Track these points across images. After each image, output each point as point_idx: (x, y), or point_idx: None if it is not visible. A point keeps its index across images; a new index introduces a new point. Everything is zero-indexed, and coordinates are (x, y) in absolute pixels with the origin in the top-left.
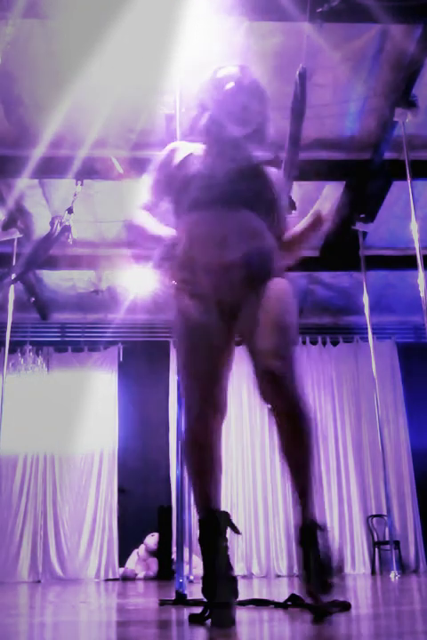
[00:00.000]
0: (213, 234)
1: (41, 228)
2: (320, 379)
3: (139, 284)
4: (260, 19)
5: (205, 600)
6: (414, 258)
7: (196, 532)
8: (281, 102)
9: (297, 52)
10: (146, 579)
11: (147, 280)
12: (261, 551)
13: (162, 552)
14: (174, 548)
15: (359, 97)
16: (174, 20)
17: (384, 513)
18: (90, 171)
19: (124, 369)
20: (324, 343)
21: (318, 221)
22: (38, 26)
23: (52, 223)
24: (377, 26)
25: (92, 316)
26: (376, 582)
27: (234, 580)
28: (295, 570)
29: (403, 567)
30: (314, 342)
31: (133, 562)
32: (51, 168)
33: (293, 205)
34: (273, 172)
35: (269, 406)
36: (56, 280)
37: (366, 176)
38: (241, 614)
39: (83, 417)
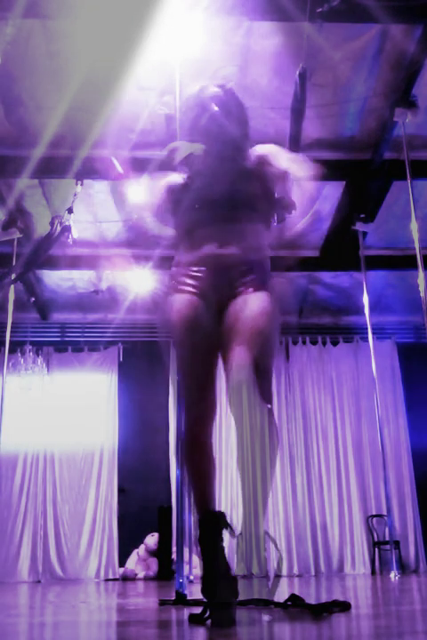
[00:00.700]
0: (208, 241)
1: (41, 227)
2: (320, 379)
3: (139, 284)
4: (260, 19)
5: (205, 600)
6: (414, 258)
7: (196, 532)
8: (281, 102)
9: (297, 52)
10: (146, 579)
11: (147, 280)
12: (262, 551)
13: (162, 552)
14: (174, 548)
15: (359, 97)
16: (174, 20)
17: (384, 513)
18: (90, 171)
19: (124, 369)
20: (324, 343)
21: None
22: (38, 26)
23: (52, 223)
24: (377, 26)
25: (92, 315)
26: (376, 582)
27: (234, 579)
28: (295, 570)
29: (403, 567)
30: (314, 342)
31: (133, 562)
32: (51, 168)
33: (293, 205)
34: (258, 152)
35: (234, 416)
36: (56, 280)
37: (366, 176)
38: (241, 614)
39: (83, 417)
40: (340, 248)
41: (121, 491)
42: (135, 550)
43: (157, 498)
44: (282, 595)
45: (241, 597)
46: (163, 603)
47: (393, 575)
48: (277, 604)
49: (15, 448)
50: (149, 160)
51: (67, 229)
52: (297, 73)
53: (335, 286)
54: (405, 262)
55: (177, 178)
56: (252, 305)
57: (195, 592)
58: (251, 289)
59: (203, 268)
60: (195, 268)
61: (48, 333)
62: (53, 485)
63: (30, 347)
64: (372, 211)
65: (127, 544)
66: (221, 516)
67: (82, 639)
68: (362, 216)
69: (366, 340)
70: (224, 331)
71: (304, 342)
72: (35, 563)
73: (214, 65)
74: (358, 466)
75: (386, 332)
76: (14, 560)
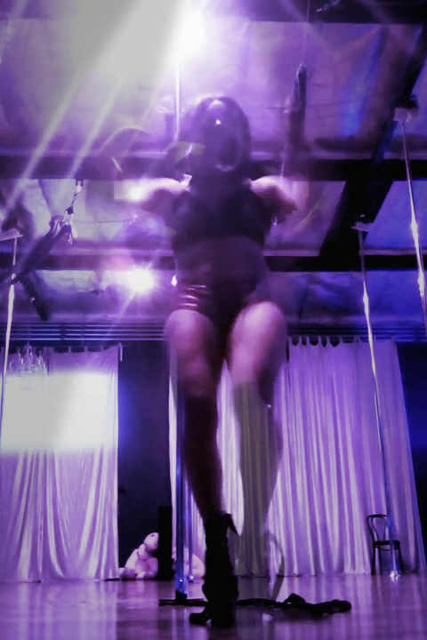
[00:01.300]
0: (209, 258)
1: (41, 227)
2: (320, 379)
3: (139, 284)
4: (260, 19)
5: (205, 600)
6: (414, 258)
7: (196, 533)
8: (281, 102)
9: (297, 52)
10: (146, 579)
11: (147, 280)
12: (262, 551)
13: (162, 552)
14: (174, 548)
15: (359, 97)
16: (174, 19)
17: (384, 513)
18: (90, 171)
19: (124, 369)
20: (324, 343)
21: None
22: (38, 26)
23: (52, 223)
24: (377, 26)
25: (92, 315)
26: (376, 582)
27: (235, 579)
28: (295, 570)
29: (403, 567)
30: (314, 342)
31: (133, 562)
32: (51, 168)
33: (293, 206)
34: (265, 183)
35: (236, 420)
36: (56, 280)
37: (366, 176)
38: (241, 614)
39: (83, 417)
40: (340, 248)
41: (121, 491)
42: (135, 550)
43: (157, 498)
44: (282, 595)
45: (241, 597)
46: (163, 603)
47: (393, 575)
48: (278, 604)
49: (15, 448)
50: (149, 160)
51: (67, 229)
52: (297, 73)
53: (335, 286)
54: (405, 262)
55: (175, 185)
56: (258, 315)
57: (195, 592)
58: (255, 302)
59: (204, 285)
60: (196, 286)
61: (48, 333)
62: (53, 485)
63: (30, 347)
64: (372, 211)
65: (127, 544)
66: (228, 518)
67: (82, 639)
68: (362, 216)
69: (366, 339)
70: (231, 341)
71: (304, 342)
72: (35, 563)
73: (214, 65)
74: (358, 466)
75: (386, 331)
76: (14, 560)
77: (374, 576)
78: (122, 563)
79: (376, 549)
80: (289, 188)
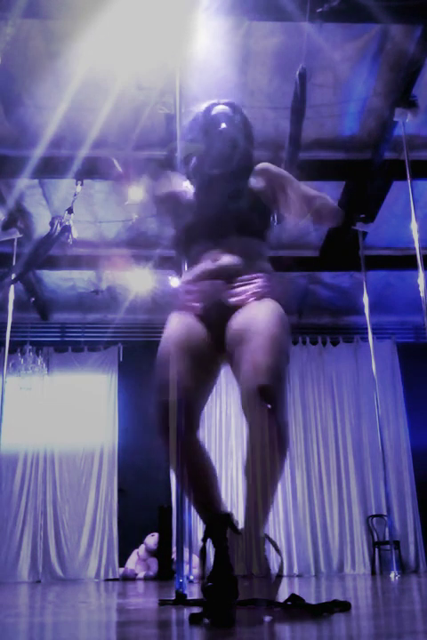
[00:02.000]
0: (206, 258)
1: (41, 227)
2: (320, 379)
3: (139, 284)
4: (260, 19)
5: (205, 600)
6: (414, 258)
7: (196, 533)
8: (281, 102)
9: (297, 52)
10: (146, 579)
11: (147, 280)
12: (262, 552)
13: (162, 552)
14: (174, 548)
15: (359, 97)
16: (175, 19)
17: (384, 513)
18: (90, 171)
19: (124, 369)
20: (324, 343)
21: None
22: (38, 26)
23: (52, 223)
24: (377, 26)
25: (92, 315)
26: (376, 582)
27: (234, 579)
28: (295, 570)
29: (403, 567)
30: (314, 342)
31: (133, 562)
32: (51, 168)
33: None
34: (266, 174)
35: (248, 423)
36: (56, 280)
37: (366, 176)
38: (241, 614)
39: (83, 417)
40: (340, 248)
41: (121, 491)
42: (135, 550)
43: (157, 498)
44: (282, 595)
45: (241, 597)
46: (163, 603)
47: (393, 575)
48: (278, 604)
49: (15, 448)
50: (149, 160)
51: (67, 229)
52: (297, 73)
53: (335, 286)
54: (405, 262)
55: (184, 188)
56: (262, 314)
57: (195, 592)
58: (255, 298)
59: (201, 285)
60: (194, 286)
61: (48, 333)
62: (53, 485)
63: (30, 347)
64: (372, 211)
65: (127, 544)
66: (229, 517)
67: (82, 639)
68: (362, 216)
69: (366, 340)
70: (231, 339)
71: (304, 342)
72: (35, 563)
73: (214, 65)
74: (358, 466)
75: (386, 331)
76: (14, 560)
77: (374, 576)
78: (122, 563)
79: (376, 549)
80: (305, 193)
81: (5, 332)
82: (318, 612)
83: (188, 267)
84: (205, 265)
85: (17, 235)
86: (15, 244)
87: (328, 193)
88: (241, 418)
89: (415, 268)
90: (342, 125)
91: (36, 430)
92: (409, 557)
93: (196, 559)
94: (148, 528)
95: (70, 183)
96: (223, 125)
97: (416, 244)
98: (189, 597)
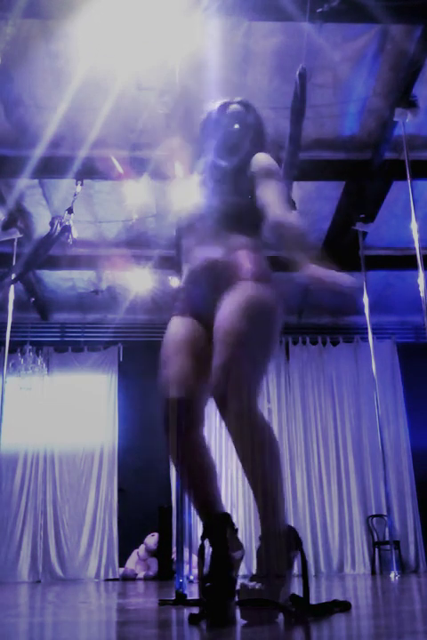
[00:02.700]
0: (194, 253)
1: (41, 227)
2: (320, 379)
3: (139, 284)
4: (260, 19)
5: (204, 600)
6: (414, 258)
7: (196, 533)
8: (281, 102)
9: (297, 52)
10: (146, 579)
11: (147, 280)
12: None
13: (162, 552)
14: (174, 548)
15: (359, 97)
16: (174, 19)
17: (384, 513)
18: (90, 171)
19: (124, 369)
20: (324, 343)
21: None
22: (38, 26)
23: (52, 223)
24: (377, 26)
25: (92, 316)
26: (376, 582)
27: (233, 580)
28: (295, 570)
29: (403, 567)
30: (314, 342)
31: (133, 562)
32: (51, 168)
33: (293, 205)
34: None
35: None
36: (56, 280)
37: (366, 176)
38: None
39: (83, 417)
40: (340, 248)
41: (121, 491)
42: (135, 550)
43: (157, 498)
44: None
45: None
46: (163, 603)
47: (393, 575)
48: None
49: (15, 448)
50: (149, 160)
51: (67, 229)
52: (297, 73)
53: None
54: (405, 262)
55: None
56: (226, 305)
57: (195, 592)
58: (233, 289)
59: (190, 283)
60: (185, 285)
61: (48, 333)
62: (53, 485)
63: (30, 347)
64: (372, 211)
65: (127, 544)
66: (227, 517)
67: (82, 639)
68: (362, 216)
69: (366, 340)
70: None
71: (304, 342)
72: (35, 563)
73: (214, 65)
74: (358, 466)
75: (386, 331)
76: (14, 560)
77: (374, 576)
78: (122, 563)
79: (376, 549)
80: (279, 204)
81: (5, 332)
82: (318, 612)
83: (183, 263)
84: (193, 263)
85: (17, 235)
86: (15, 243)
87: (328, 193)
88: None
89: (415, 267)
90: (342, 125)
91: (36, 430)
92: (409, 557)
93: (196, 559)
94: (148, 528)
95: (70, 183)
96: (236, 126)
97: (416, 244)
98: (189, 597)
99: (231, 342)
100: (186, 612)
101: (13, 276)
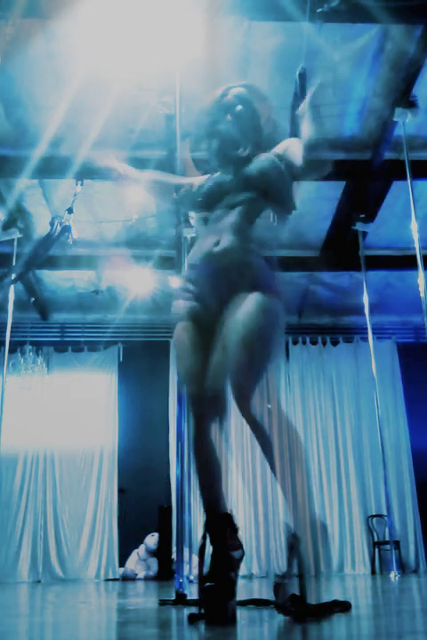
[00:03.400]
0: (203, 245)
1: (41, 227)
2: (320, 379)
3: (139, 284)
4: (260, 19)
5: (204, 600)
6: (414, 258)
7: (196, 533)
8: (281, 102)
9: (297, 52)
10: (146, 579)
11: (147, 280)
12: (261, 551)
13: (162, 552)
14: (174, 548)
15: (359, 97)
16: (175, 19)
17: (384, 513)
18: (90, 171)
19: (124, 369)
20: (324, 343)
21: None
22: (38, 26)
23: (52, 223)
24: (377, 26)
25: (92, 316)
26: (376, 582)
27: (232, 580)
28: (295, 570)
29: (403, 567)
30: (314, 342)
31: (133, 562)
32: (51, 168)
33: (294, 206)
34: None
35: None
36: (56, 280)
37: (366, 176)
38: (241, 614)
39: (83, 417)
40: (340, 248)
41: (121, 491)
42: (135, 550)
43: (157, 498)
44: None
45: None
46: (163, 603)
47: (393, 575)
48: (277, 604)
49: (15, 448)
50: (149, 160)
51: (67, 229)
52: (297, 73)
53: (335, 286)
54: (405, 262)
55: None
56: (241, 314)
57: (195, 592)
58: (242, 292)
59: (198, 272)
60: (192, 274)
61: (48, 333)
62: (53, 485)
63: (30, 347)
64: (372, 211)
65: (127, 544)
66: (228, 517)
67: (82, 639)
68: (362, 216)
69: (366, 339)
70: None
71: (304, 342)
72: (35, 563)
73: (215, 65)
74: (358, 466)
75: (386, 332)
76: (14, 560)
77: (374, 576)
78: (122, 563)
79: (376, 549)
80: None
81: (5, 331)
82: (318, 612)
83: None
84: (200, 253)
85: (17, 235)
86: (15, 243)
87: (328, 193)
88: (240, 417)
89: (415, 267)
90: (342, 125)
91: (36, 430)
92: (409, 557)
93: (196, 559)
94: (148, 528)
95: (70, 183)
96: (240, 108)
97: (416, 244)
98: (189, 597)
99: (248, 351)
100: (186, 611)
101: (13, 276)
